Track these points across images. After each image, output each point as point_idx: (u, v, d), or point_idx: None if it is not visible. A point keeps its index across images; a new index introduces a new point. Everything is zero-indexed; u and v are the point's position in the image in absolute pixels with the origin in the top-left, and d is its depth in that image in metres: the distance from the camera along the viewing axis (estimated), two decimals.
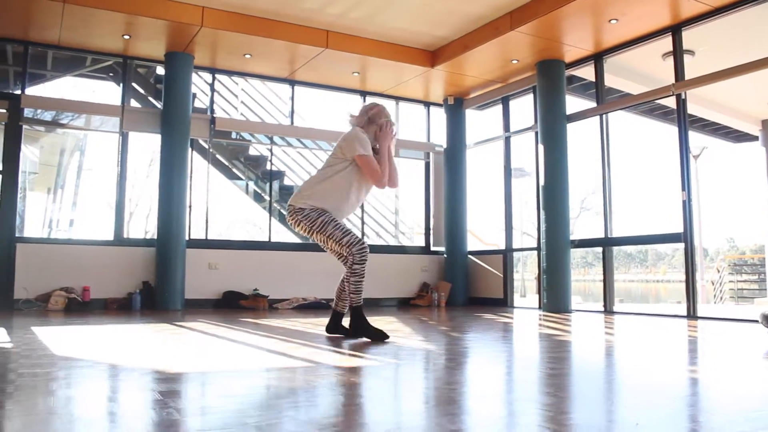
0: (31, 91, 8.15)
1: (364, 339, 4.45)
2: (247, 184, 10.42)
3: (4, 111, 7.88)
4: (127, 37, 7.85)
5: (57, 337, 4.51)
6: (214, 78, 9.20)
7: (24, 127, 8.09)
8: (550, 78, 8.51)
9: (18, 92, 8.01)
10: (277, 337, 4.74)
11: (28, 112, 8.21)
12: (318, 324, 5.89)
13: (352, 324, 4.45)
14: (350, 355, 3.76)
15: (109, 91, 9.64)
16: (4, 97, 8.00)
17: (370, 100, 9.97)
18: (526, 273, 19.50)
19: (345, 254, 4.33)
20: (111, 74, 9.06)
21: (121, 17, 7.29)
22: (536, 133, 8.78)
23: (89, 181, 12.22)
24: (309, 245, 10.12)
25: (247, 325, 5.67)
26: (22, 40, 7.96)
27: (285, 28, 7.97)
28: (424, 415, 2.20)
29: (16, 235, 7.80)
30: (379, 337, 4.37)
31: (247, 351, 3.85)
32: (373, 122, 4.52)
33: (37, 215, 11.93)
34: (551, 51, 8.19)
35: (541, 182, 8.43)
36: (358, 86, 9.73)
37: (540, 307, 8.46)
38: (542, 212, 8.38)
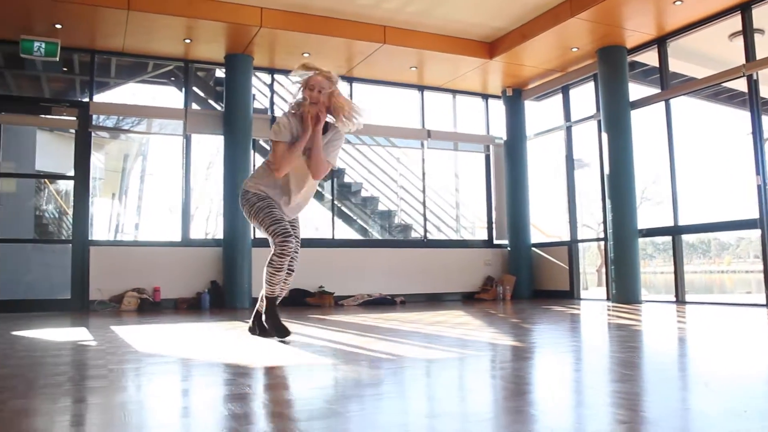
0: (97, 99, 8.37)
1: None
2: None
3: (74, 119, 8.12)
4: (188, 41, 8.00)
5: (136, 336, 4.62)
6: (272, 78, 9.30)
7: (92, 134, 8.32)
8: (611, 65, 8.33)
9: (86, 100, 8.24)
10: (349, 331, 4.76)
11: (94, 120, 8.42)
12: (387, 319, 5.90)
13: (265, 315, 4.15)
14: (426, 347, 3.75)
15: (168, 96, 9.80)
16: (73, 105, 8.25)
17: (428, 94, 9.95)
18: (586, 265, 19.16)
19: (270, 243, 4.11)
20: (172, 78, 9.24)
21: (182, 21, 7.44)
22: (599, 121, 8.60)
23: (152, 185, 12.47)
24: (371, 242, 10.16)
25: (317, 322, 5.71)
26: (88, 49, 8.18)
27: (342, 26, 8.00)
28: (501, 404, 2.17)
29: (89, 238, 8.03)
30: (284, 333, 4.09)
31: (324, 345, 3.87)
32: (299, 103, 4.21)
33: (103, 219, 12.26)
34: (612, 37, 8.02)
35: (606, 171, 8.25)
36: (416, 81, 9.70)
37: (608, 299, 8.30)
38: (608, 201, 8.20)
